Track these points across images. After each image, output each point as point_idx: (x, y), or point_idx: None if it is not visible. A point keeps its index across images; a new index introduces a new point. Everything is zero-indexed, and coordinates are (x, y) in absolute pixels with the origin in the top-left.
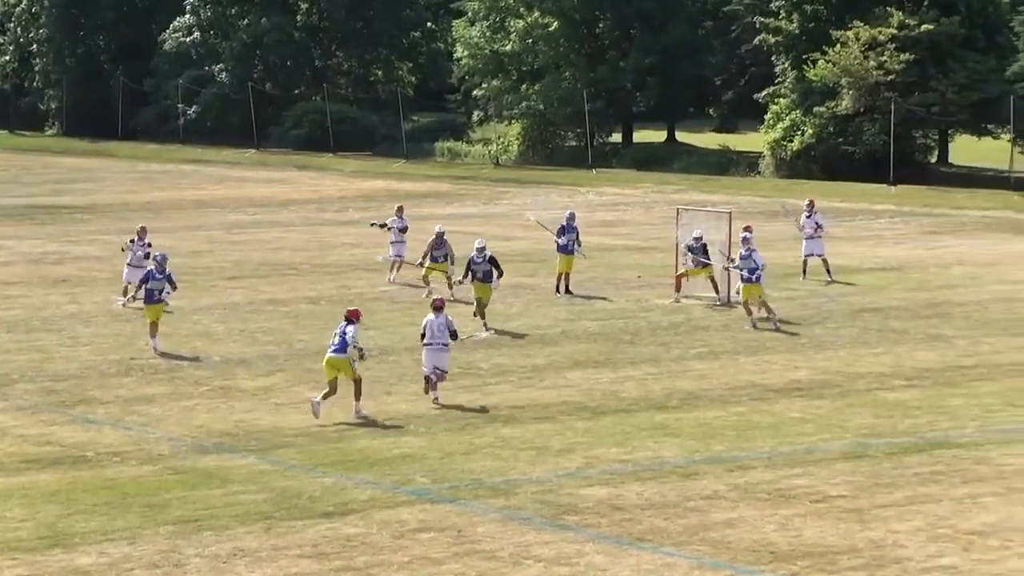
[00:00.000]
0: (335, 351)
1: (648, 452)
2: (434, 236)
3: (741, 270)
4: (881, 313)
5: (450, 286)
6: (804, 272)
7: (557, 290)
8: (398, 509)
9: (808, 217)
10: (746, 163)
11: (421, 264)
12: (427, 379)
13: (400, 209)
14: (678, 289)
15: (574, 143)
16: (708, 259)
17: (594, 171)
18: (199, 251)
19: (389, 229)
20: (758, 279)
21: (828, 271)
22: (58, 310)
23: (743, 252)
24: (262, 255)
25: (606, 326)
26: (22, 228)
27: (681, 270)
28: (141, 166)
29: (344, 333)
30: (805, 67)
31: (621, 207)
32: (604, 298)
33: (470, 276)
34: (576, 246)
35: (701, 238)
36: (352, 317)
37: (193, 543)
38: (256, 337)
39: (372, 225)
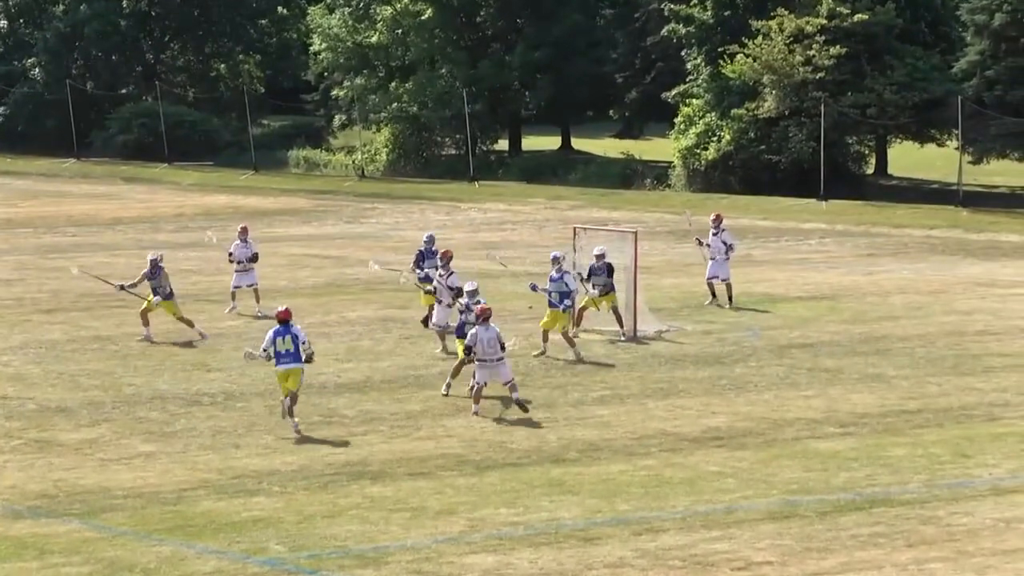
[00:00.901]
0: (289, 362)
1: (543, 513)
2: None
3: (550, 294)
4: (812, 349)
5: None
6: (713, 295)
7: (424, 324)
8: None
9: (715, 235)
10: (653, 174)
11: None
12: (477, 390)
13: (244, 231)
14: (577, 324)
15: (453, 151)
16: (612, 281)
17: (476, 184)
18: (9, 279)
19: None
20: (565, 309)
21: (730, 298)
22: None
23: (553, 275)
24: (85, 284)
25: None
26: None
27: (582, 302)
28: None
29: (296, 337)
30: (721, 62)
31: (508, 226)
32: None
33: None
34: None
35: (604, 255)
36: (286, 318)
37: None
38: (78, 381)
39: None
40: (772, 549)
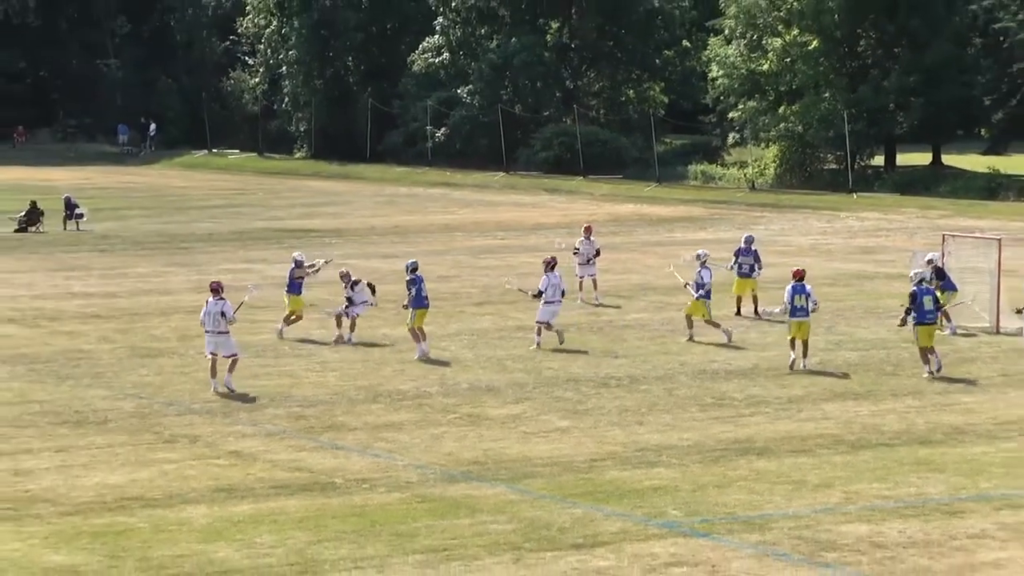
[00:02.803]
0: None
1: (911, 488)
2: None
3: (691, 285)
4: None
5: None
6: None
7: (737, 312)
8: (649, 542)
9: None
10: (1017, 187)
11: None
12: (539, 328)
13: (588, 230)
14: (944, 319)
15: (833, 166)
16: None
17: (854, 195)
18: (446, 276)
19: (576, 252)
20: (699, 297)
21: None
22: (306, 335)
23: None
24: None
25: (866, 356)
26: (270, 251)
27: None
28: (388, 189)
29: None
30: None
31: (883, 233)
32: (864, 327)
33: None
34: (757, 269)
35: (932, 261)
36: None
37: (441, 573)
38: (504, 364)
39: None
40: None
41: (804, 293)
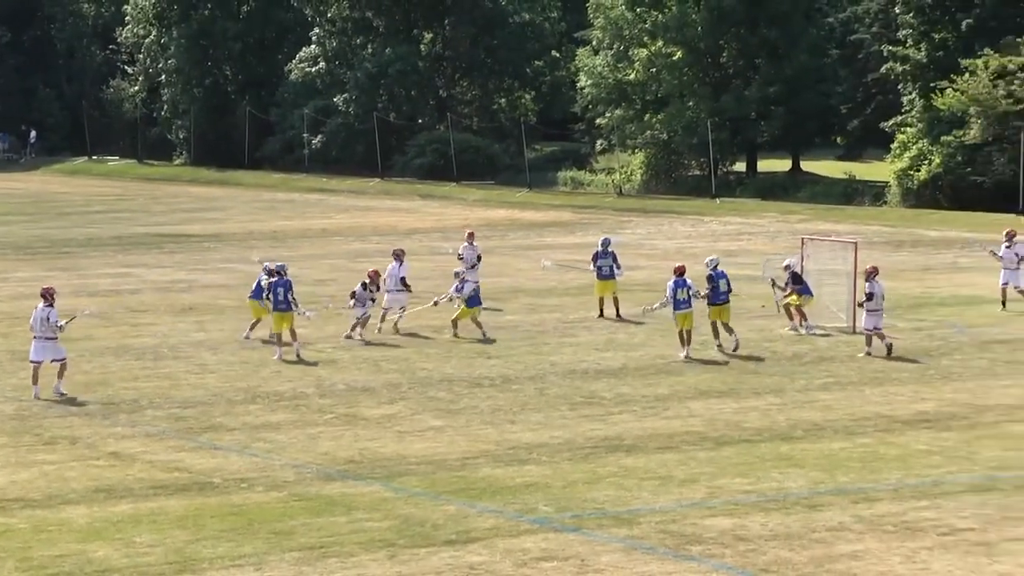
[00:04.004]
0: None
1: (772, 483)
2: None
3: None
4: (1011, 344)
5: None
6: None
7: (600, 315)
8: (521, 538)
9: (1007, 247)
10: (872, 193)
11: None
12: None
13: (471, 236)
14: (801, 319)
15: (697, 172)
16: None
17: (718, 200)
18: (324, 279)
19: (460, 258)
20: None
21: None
22: (185, 337)
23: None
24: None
25: (729, 356)
26: (150, 257)
27: (787, 301)
28: (267, 195)
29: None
30: (933, 96)
31: (745, 236)
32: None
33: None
34: (617, 271)
35: (790, 267)
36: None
37: (318, 569)
38: (380, 365)
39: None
40: (974, 517)
41: (686, 287)
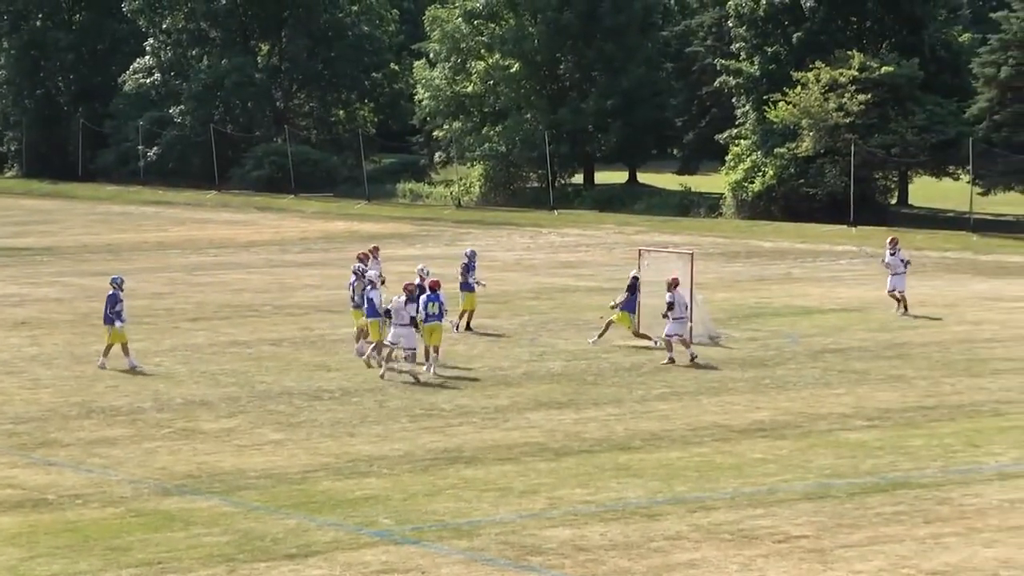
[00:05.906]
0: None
1: (611, 493)
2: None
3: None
4: (843, 354)
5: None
6: (899, 303)
7: (459, 327)
8: (361, 551)
9: (892, 255)
10: (707, 204)
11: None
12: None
13: (375, 250)
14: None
15: (536, 184)
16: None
17: (556, 212)
18: (161, 293)
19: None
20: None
21: (905, 307)
22: (18, 352)
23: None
24: (224, 297)
25: (569, 367)
26: None
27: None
28: (101, 208)
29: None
30: (766, 108)
31: (583, 248)
32: (566, 339)
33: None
34: (474, 282)
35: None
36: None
37: None
38: (218, 379)
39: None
40: (808, 525)
41: (437, 302)
